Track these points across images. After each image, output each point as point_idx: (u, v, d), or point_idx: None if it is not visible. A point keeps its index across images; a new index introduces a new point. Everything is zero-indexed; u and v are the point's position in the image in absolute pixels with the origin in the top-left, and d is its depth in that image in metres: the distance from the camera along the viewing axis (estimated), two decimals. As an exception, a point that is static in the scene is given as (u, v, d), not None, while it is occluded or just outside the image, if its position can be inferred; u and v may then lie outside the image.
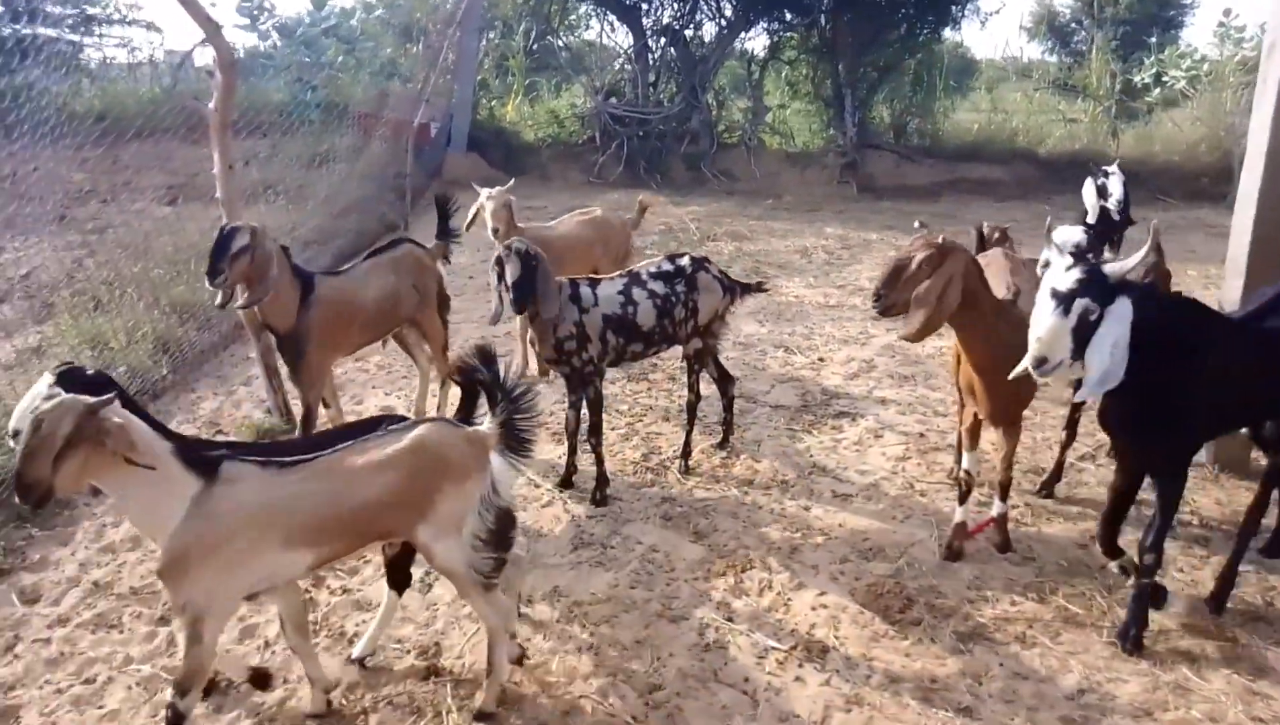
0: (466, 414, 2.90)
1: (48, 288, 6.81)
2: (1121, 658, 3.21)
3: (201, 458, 2.48)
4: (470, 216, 5.67)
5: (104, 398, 2.29)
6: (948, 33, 14.59)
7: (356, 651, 3.19)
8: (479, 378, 2.75)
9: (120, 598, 3.57)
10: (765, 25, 14.57)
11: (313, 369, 4.25)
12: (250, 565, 2.49)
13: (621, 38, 15.22)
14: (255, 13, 12.49)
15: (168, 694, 2.62)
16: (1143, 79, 14.11)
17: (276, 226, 7.89)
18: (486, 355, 2.76)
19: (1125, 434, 3.23)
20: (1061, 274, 2.79)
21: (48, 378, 2.54)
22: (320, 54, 12.41)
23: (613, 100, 14.14)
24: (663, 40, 14.42)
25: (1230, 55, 13.37)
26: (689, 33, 14.44)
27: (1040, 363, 2.82)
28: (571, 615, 3.47)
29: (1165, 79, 13.69)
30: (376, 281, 4.56)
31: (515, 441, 2.75)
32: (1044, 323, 2.79)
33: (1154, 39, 15.98)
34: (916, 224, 3.85)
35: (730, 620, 3.43)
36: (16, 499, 2.21)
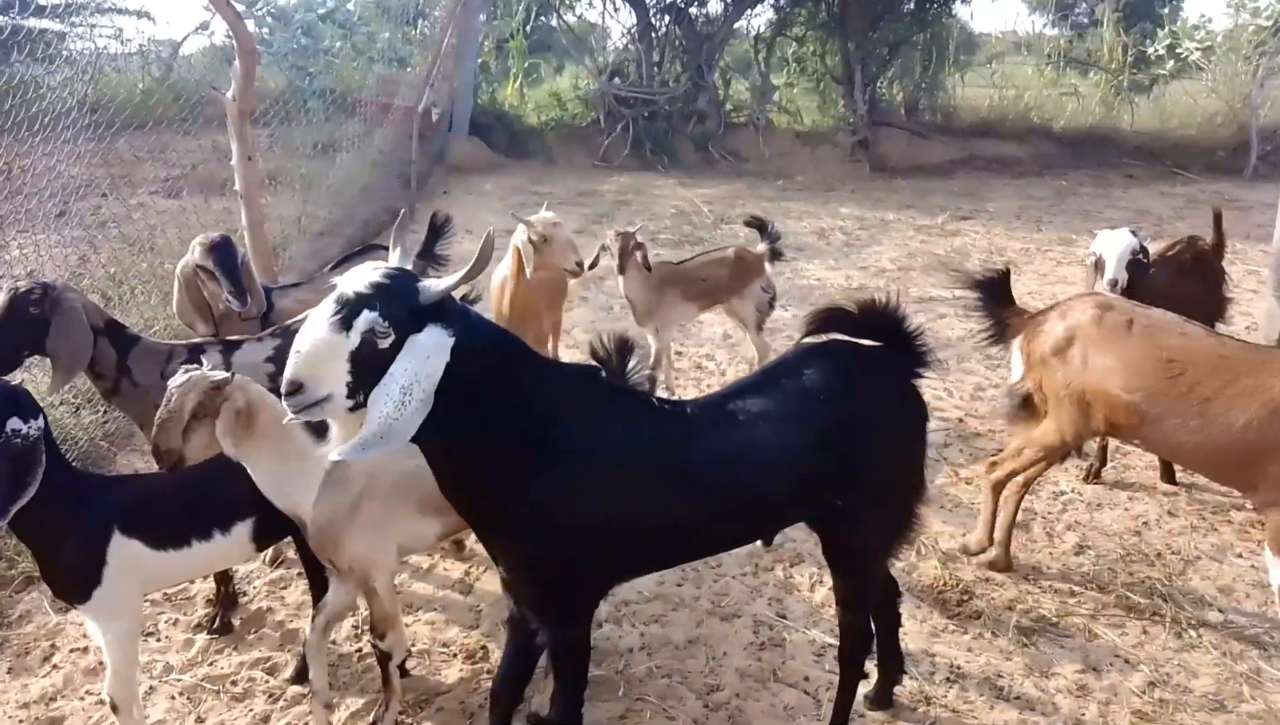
0: None
1: (55, 284, 6.66)
2: (1190, 648, 3.13)
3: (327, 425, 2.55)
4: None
5: (227, 376, 2.42)
6: (958, 6, 14.37)
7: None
8: (608, 365, 2.70)
9: (155, 604, 3.47)
10: (772, 1, 14.34)
11: None
12: (390, 525, 2.63)
13: (624, 16, 15.01)
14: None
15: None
16: (1156, 50, 13.92)
17: (284, 217, 7.79)
18: (625, 346, 2.69)
19: (490, 549, 2.36)
20: (358, 273, 1.95)
21: None
22: (319, 40, 12.19)
23: (616, 81, 13.93)
24: (666, 18, 14.19)
25: (1245, 25, 13.17)
26: (693, 10, 14.21)
27: (294, 389, 1.87)
28: (620, 615, 3.38)
29: (1179, 50, 13.51)
30: None
31: None
32: (310, 334, 1.89)
33: (1165, 9, 15.77)
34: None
35: (784, 617, 3.34)
36: (156, 464, 2.40)
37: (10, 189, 4.87)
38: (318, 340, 1.88)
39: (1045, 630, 3.23)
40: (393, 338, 1.90)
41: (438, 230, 4.51)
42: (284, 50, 11.13)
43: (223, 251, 3.49)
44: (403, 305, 1.91)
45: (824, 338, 2.46)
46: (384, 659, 2.73)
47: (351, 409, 1.93)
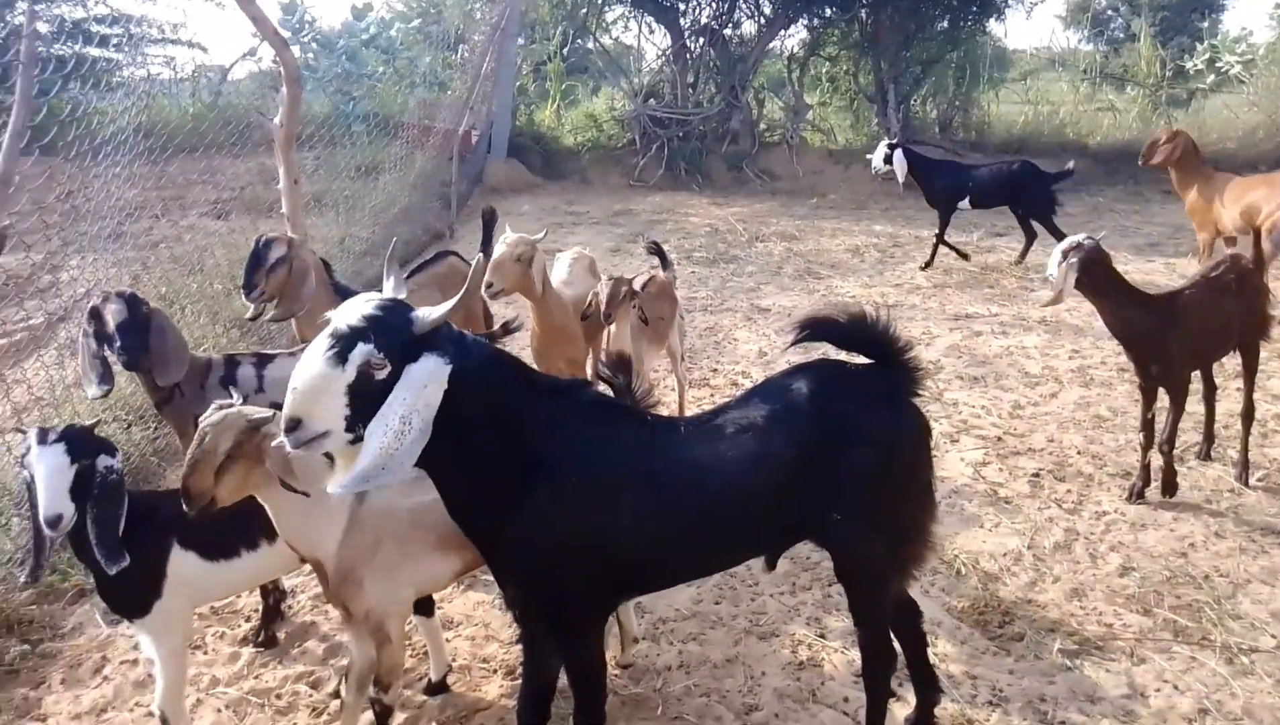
0: None
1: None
2: (1242, 675, 3.07)
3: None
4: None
5: (267, 414, 2.30)
6: (991, 24, 14.34)
7: (433, 677, 3.12)
8: (614, 383, 2.74)
9: (202, 618, 3.54)
10: (805, 22, 14.41)
11: None
12: (409, 568, 2.57)
13: (659, 38, 15.16)
14: (298, 26, 12.59)
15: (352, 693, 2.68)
16: (1195, 64, 13.76)
17: (327, 238, 7.96)
18: (624, 363, 2.74)
19: (495, 570, 2.39)
20: (351, 306, 1.97)
21: (57, 448, 2.38)
22: (361, 66, 12.46)
23: (651, 102, 14.05)
24: (701, 40, 14.31)
25: (1287, 38, 13.01)
26: (728, 31, 14.33)
27: (292, 426, 1.89)
28: (657, 632, 3.39)
29: (1219, 63, 13.34)
30: (422, 299, 4.20)
31: None
32: (306, 370, 1.90)
33: (1205, 23, 15.60)
34: None
35: (823, 637, 3.33)
36: (184, 506, 2.26)
37: (67, 210, 5.04)
38: (314, 376, 1.89)
39: (1089, 653, 3.18)
40: (389, 369, 1.91)
41: (488, 225, 4.76)
42: (328, 76, 11.40)
43: (253, 251, 3.80)
44: (397, 336, 1.93)
45: (815, 357, 2.52)
46: (384, 715, 2.63)
47: (351, 442, 1.95)
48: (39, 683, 3.21)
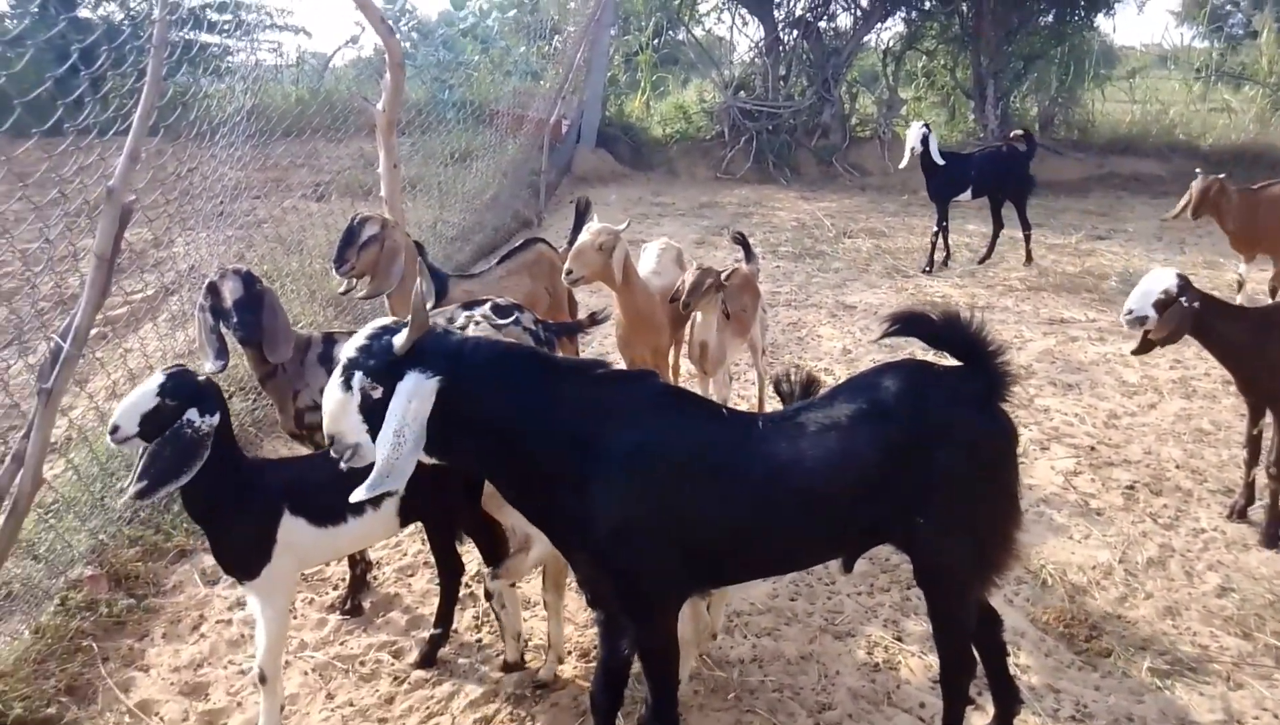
0: None
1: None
2: (1349, 707, 2.91)
3: None
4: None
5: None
6: (1100, 18, 13.76)
7: (509, 655, 3.18)
8: (783, 391, 2.79)
9: (293, 583, 3.69)
10: (903, 14, 14.11)
11: None
12: None
13: (752, 30, 15.05)
14: (397, 15, 12.92)
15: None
16: (1325, 63, 12.99)
17: (420, 222, 8.16)
18: (812, 383, 2.78)
19: (564, 552, 2.48)
20: (353, 339, 2.25)
21: (158, 376, 2.53)
22: (458, 54, 12.72)
23: (742, 94, 13.96)
24: (794, 32, 14.15)
25: None
26: (822, 24, 14.13)
27: (330, 441, 2.26)
28: (731, 625, 3.39)
29: (1352, 63, 12.55)
30: (512, 285, 4.40)
31: None
32: (330, 396, 2.23)
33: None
34: None
35: (900, 640, 3.28)
36: None
37: (183, 190, 5.31)
38: (334, 401, 2.22)
39: (1182, 674, 3.06)
40: (381, 390, 2.15)
41: (583, 215, 4.81)
42: (425, 63, 11.66)
43: (347, 229, 3.94)
44: (381, 360, 2.17)
45: (901, 356, 2.49)
46: (487, 596, 2.96)
47: None
48: (143, 635, 3.40)
